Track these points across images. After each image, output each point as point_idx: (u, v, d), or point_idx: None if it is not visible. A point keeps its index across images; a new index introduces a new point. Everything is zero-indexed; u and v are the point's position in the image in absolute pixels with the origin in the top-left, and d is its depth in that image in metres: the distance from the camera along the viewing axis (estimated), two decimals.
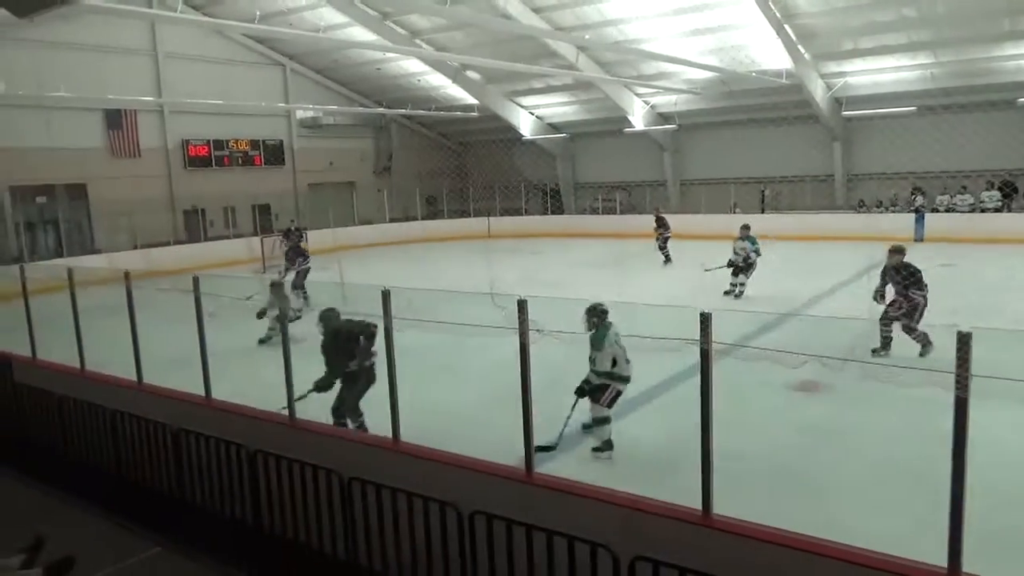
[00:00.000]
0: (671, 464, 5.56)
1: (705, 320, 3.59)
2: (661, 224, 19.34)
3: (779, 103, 23.43)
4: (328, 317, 6.50)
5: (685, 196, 28.26)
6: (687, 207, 27.42)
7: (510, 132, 29.24)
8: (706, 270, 13.96)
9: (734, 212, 25.76)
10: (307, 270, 13.84)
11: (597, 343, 6.13)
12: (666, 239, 19.21)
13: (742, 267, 13.38)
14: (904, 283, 9.03)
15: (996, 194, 22.21)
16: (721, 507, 3.54)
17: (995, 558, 3.04)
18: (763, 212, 25.75)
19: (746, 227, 13.67)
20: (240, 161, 26.12)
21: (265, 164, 26.87)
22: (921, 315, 8.84)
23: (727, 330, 3.94)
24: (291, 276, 13.46)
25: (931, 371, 5.13)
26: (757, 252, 13.42)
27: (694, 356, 3.62)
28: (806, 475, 6.01)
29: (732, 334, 9.68)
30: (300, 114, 27.85)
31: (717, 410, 3.58)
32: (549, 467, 5.13)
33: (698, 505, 3.55)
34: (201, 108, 22.97)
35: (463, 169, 33.31)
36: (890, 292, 9.34)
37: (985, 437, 4.88)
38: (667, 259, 19.03)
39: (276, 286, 8.92)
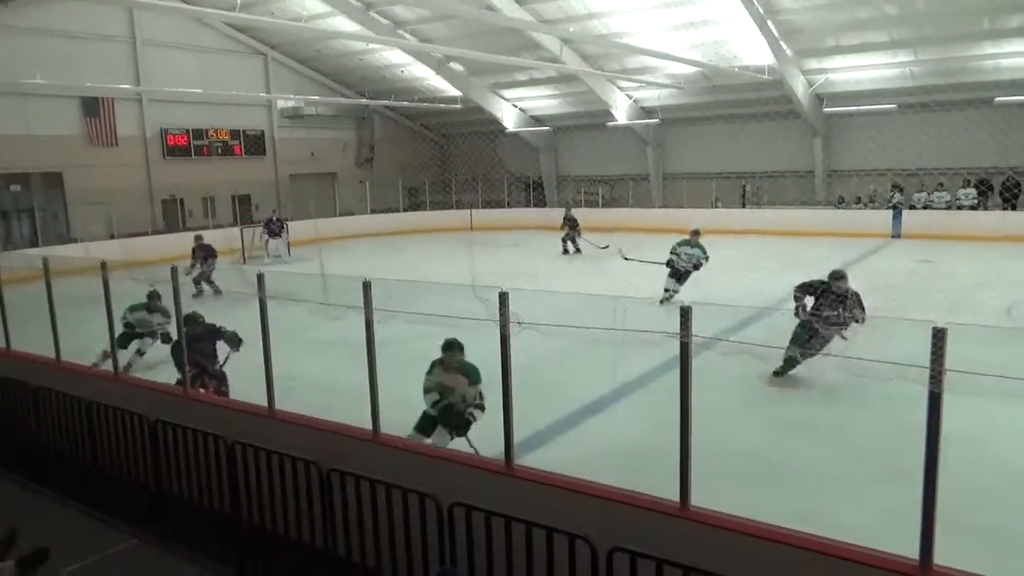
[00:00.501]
0: (650, 457, 5.59)
1: (685, 314, 3.61)
2: (570, 223, 20.22)
3: (761, 99, 23.55)
4: (193, 319, 7.14)
5: (667, 190, 28.38)
6: (669, 201, 27.56)
7: (493, 124, 29.19)
8: (625, 258, 13.39)
9: (716, 206, 25.94)
10: (212, 269, 14.61)
11: None
12: (572, 237, 19.94)
13: (683, 273, 12.47)
14: (841, 310, 7.81)
15: (972, 192, 22.51)
16: (699, 499, 3.57)
17: (965, 551, 3.09)
18: (744, 207, 25.95)
19: (696, 232, 12.93)
20: (220, 151, 25.84)
21: (245, 154, 26.62)
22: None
23: (707, 324, 3.97)
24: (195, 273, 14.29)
25: (907, 366, 5.21)
26: (706, 259, 12.63)
27: (674, 349, 3.64)
28: (783, 467, 6.07)
29: (712, 328, 9.78)
30: (281, 104, 27.60)
31: (696, 403, 3.60)
32: (529, 459, 5.14)
33: (676, 497, 3.58)
34: (180, 97, 22.72)
35: (445, 161, 33.22)
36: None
37: (958, 431, 4.98)
38: (566, 251, 19.90)
39: (153, 296, 9.06)
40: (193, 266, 14.93)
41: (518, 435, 4.24)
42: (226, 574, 4.54)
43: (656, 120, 26.70)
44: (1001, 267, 16.19)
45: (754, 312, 10.66)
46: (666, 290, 12.32)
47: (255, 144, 26.95)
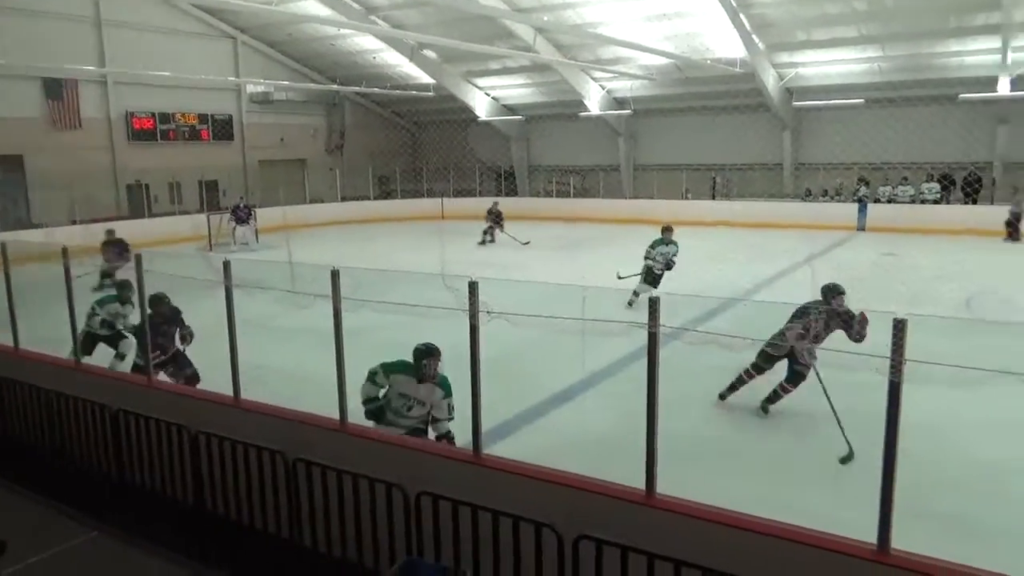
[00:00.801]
0: (617, 445, 5.64)
1: (653, 304, 3.63)
2: (494, 217, 20.41)
3: (732, 91, 23.75)
4: (160, 299, 7.06)
5: (638, 181, 28.52)
6: (640, 192, 27.71)
7: (466, 113, 29.06)
8: (619, 277, 12.46)
9: (686, 198, 26.15)
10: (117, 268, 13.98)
11: None
12: (493, 229, 20.20)
13: (659, 274, 11.96)
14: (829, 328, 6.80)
15: (935, 186, 22.98)
16: (665, 487, 3.61)
17: (922, 537, 3.17)
18: (714, 199, 26.18)
19: (669, 229, 12.36)
20: (187, 135, 25.39)
21: (213, 139, 26.18)
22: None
23: (675, 314, 4.00)
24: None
25: (868, 356, 5.31)
26: (676, 254, 12.17)
27: (643, 339, 3.66)
28: (748, 455, 6.16)
29: (679, 318, 9.87)
30: (251, 89, 27.18)
31: (663, 392, 3.63)
32: (497, 448, 5.16)
33: (642, 485, 3.61)
34: (147, 79, 22.25)
35: (417, 149, 33.02)
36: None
37: (918, 420, 5.09)
38: (483, 243, 19.99)
39: (125, 287, 8.36)
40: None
41: (486, 424, 4.25)
42: (189, 566, 4.49)
43: (628, 111, 26.78)
44: (961, 260, 16.56)
45: (721, 303, 10.76)
46: (635, 293, 11.52)
47: (223, 129, 26.53)
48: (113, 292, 8.72)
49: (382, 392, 5.33)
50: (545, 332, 6.19)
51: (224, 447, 4.69)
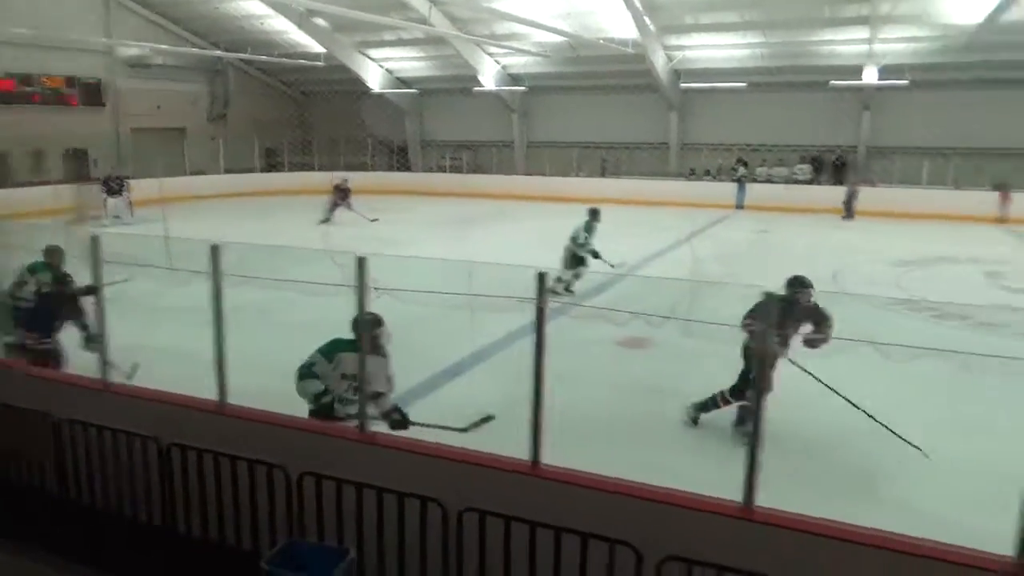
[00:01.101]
0: (505, 418, 5.71)
1: (541, 279, 3.68)
2: (342, 194, 19.27)
3: (623, 71, 24.24)
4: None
5: (531, 158, 28.75)
6: (532, 169, 27.94)
7: (357, 84, 28.30)
8: (611, 265, 11.30)
9: (577, 175, 26.63)
10: None
11: None
12: (336, 205, 19.06)
13: (582, 258, 11.13)
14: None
15: (807, 167, 24.48)
16: (551, 458, 3.68)
17: (786, 495, 3.38)
18: (603, 176, 26.75)
19: (595, 212, 11.35)
20: (52, 99, 23.42)
21: (82, 104, 24.28)
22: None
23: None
24: None
25: (737, 327, 5.57)
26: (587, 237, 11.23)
27: (530, 314, 3.70)
28: (629, 424, 6.38)
29: (568, 294, 10.09)
30: (125, 52, 25.34)
31: (550, 366, 3.69)
32: (384, 426, 5.11)
33: (529, 457, 3.67)
34: (4, 36, 20.32)
35: (306, 121, 31.92)
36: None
37: (788, 385, 5.42)
38: (328, 219, 18.84)
39: (55, 254, 6.91)
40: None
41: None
42: (51, 561, 4.23)
43: (522, 88, 26.86)
44: (829, 237, 17.74)
45: (608, 278, 11.07)
46: (559, 280, 10.86)
47: (93, 94, 24.65)
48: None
49: (324, 385, 4.98)
50: (434, 308, 6.18)
51: (90, 435, 4.42)
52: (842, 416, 5.95)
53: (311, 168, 28.00)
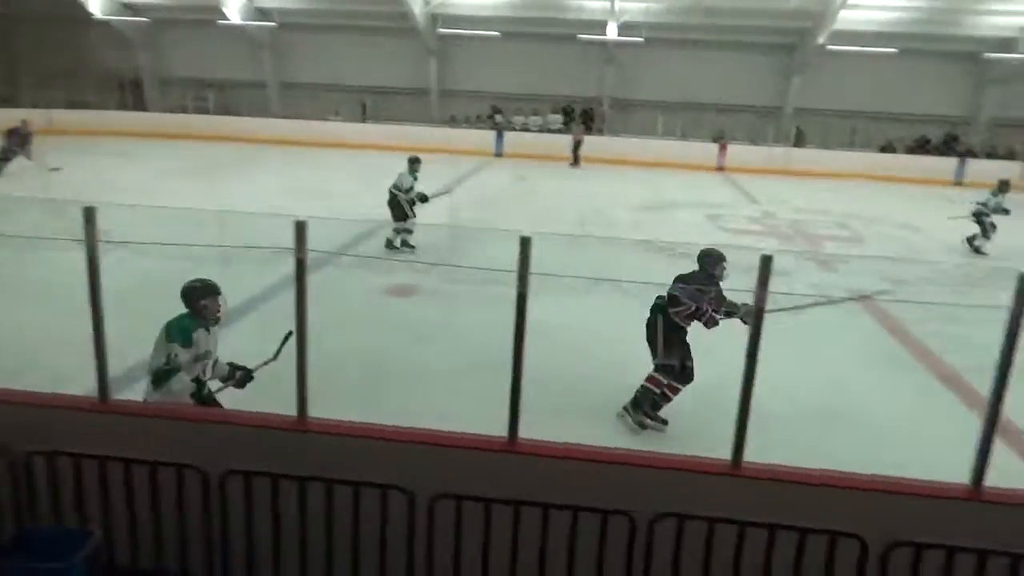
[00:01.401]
0: (272, 375, 5.50)
1: (300, 229, 3.51)
2: (20, 139, 15.95)
3: (380, 12, 23.66)
4: None
5: (286, 100, 27.23)
6: (289, 112, 26.51)
7: (75, 8, 24.58)
8: (446, 195, 10.87)
9: (335, 118, 25.77)
10: None
11: None
12: (13, 153, 15.76)
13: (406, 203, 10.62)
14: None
15: (560, 117, 25.87)
16: (319, 411, 3.60)
17: (546, 426, 3.61)
18: (364, 122, 26.15)
19: (415, 159, 10.99)
20: None
21: None
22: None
23: (324, 239, 3.92)
24: None
25: (497, 271, 5.81)
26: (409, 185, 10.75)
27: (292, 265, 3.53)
28: (396, 369, 6.44)
29: (330, 243, 9.82)
30: None
31: (316, 317, 3.58)
32: (131, 393, 4.66)
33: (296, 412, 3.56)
34: None
35: (11, 48, 27.27)
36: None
37: (542, 326, 5.77)
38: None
39: None
40: None
41: (114, 369, 3.79)
42: None
43: (272, 23, 25.17)
44: (578, 184, 19.01)
45: (372, 226, 10.94)
46: (397, 233, 10.58)
47: None
48: None
49: (194, 376, 4.31)
50: (181, 261, 5.69)
51: None
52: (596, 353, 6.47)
53: (16, 104, 23.99)
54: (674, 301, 5.34)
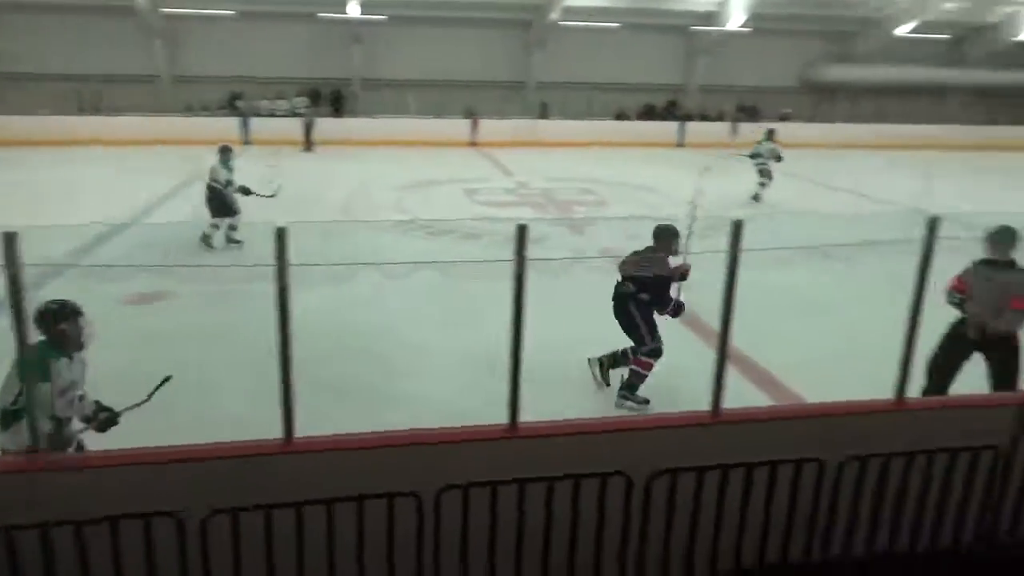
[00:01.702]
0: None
1: (10, 240, 3.03)
2: None
3: None
4: None
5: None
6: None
7: None
8: (272, 195, 10.32)
9: (43, 111, 22.52)
10: None
11: None
12: None
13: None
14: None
15: (305, 100, 24.91)
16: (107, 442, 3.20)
17: (318, 409, 3.51)
18: (81, 114, 23.12)
19: (227, 148, 10.57)
20: None
21: None
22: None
23: (40, 249, 3.42)
24: None
25: (253, 267, 5.52)
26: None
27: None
28: (156, 377, 5.86)
29: (57, 250, 8.66)
30: None
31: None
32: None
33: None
34: None
35: None
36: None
37: (306, 318, 5.54)
38: None
39: None
40: None
41: None
42: None
43: None
44: (335, 168, 18.58)
45: (109, 229, 9.83)
46: (220, 228, 10.06)
47: None
48: None
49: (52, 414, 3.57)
50: None
51: None
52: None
53: None
54: (642, 285, 5.39)
